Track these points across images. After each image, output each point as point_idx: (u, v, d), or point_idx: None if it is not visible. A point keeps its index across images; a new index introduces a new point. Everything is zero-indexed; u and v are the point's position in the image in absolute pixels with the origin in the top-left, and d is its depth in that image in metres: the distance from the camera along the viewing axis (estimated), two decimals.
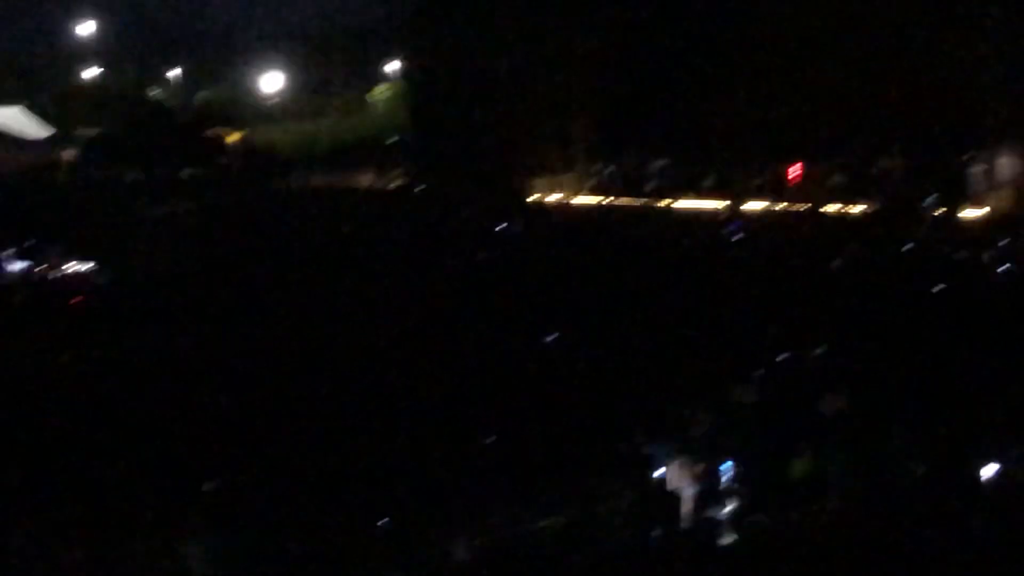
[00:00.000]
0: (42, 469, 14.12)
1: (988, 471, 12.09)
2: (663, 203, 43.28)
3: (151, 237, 34.13)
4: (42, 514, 12.75)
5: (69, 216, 37.46)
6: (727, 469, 12.78)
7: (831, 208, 40.31)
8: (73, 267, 28.61)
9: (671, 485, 12.61)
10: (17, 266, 29.04)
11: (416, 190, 48.56)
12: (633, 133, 46.55)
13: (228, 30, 72.89)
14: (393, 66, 65.27)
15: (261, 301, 23.83)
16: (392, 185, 52.22)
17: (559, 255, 30.14)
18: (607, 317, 21.60)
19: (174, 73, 73.23)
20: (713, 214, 40.23)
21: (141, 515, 12.82)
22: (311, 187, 51.41)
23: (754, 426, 13.85)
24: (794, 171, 44.14)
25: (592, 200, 45.67)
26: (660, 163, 46.71)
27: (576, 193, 46.78)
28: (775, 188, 43.27)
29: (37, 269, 28.95)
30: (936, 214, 38.35)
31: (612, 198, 45.20)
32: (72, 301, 25.10)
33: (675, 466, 12.74)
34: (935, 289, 23.78)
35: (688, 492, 12.43)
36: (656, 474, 12.85)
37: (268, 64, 71.65)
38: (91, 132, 60.87)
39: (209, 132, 61.40)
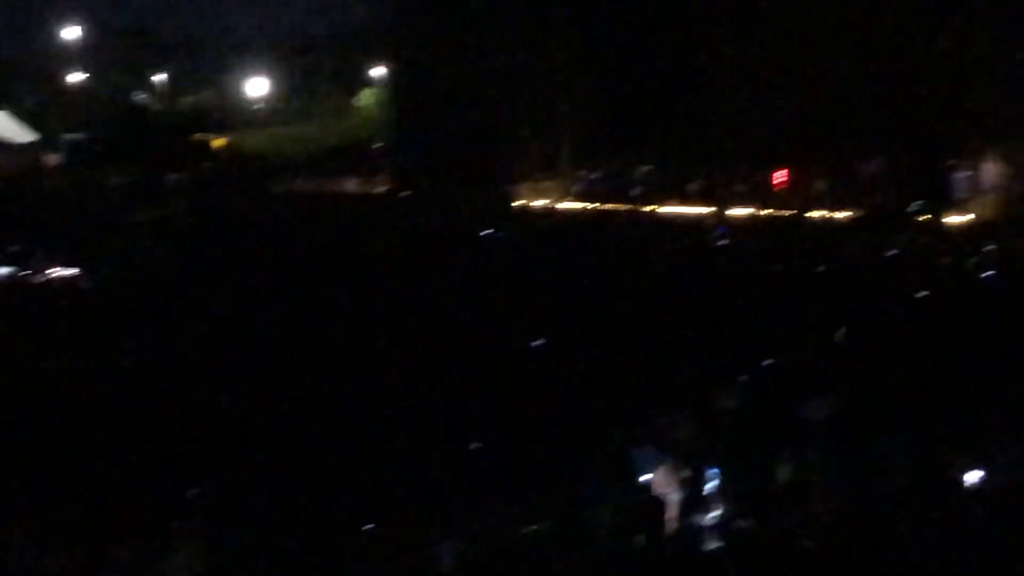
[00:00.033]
0: (26, 474, 14.08)
1: (972, 477, 12.13)
2: (648, 209, 43.34)
3: (137, 242, 34.08)
4: (24, 519, 12.72)
5: (54, 221, 37.40)
6: (711, 475, 12.80)
7: (816, 214, 40.40)
8: (58, 272, 28.55)
9: (657, 491, 12.62)
10: (1, 271, 28.97)
11: (401, 195, 48.57)
12: (618, 139, 46.61)
13: (214, 35, 72.92)
14: (378, 71, 65.27)
15: (247, 305, 23.81)
16: (377, 190, 52.24)
17: (544, 261, 30.15)
18: (592, 322, 21.63)
19: (159, 77, 73.18)
20: (698, 220, 40.30)
21: (126, 520, 12.80)
22: (296, 192, 51.41)
23: (738, 432, 13.87)
24: (779, 177, 44.23)
25: (577, 206, 45.72)
26: (645, 169, 46.79)
27: (561, 199, 46.82)
28: (760, 194, 43.36)
29: (21, 274, 28.88)
30: (920, 220, 38.45)
31: (597, 204, 45.25)
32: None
33: (660, 472, 12.74)
34: (919, 295, 23.84)
35: (673, 498, 12.44)
36: (641, 479, 12.86)
37: (254, 69, 71.66)
38: (76, 136, 60.82)
39: (195, 137, 61.38)
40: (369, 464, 14.18)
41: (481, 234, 35.24)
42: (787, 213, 40.46)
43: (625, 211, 43.36)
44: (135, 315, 23.37)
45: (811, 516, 11.99)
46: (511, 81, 47.93)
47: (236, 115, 68.54)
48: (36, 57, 70.42)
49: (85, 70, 70.67)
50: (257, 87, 71.84)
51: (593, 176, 47.65)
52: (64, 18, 70.70)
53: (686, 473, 12.66)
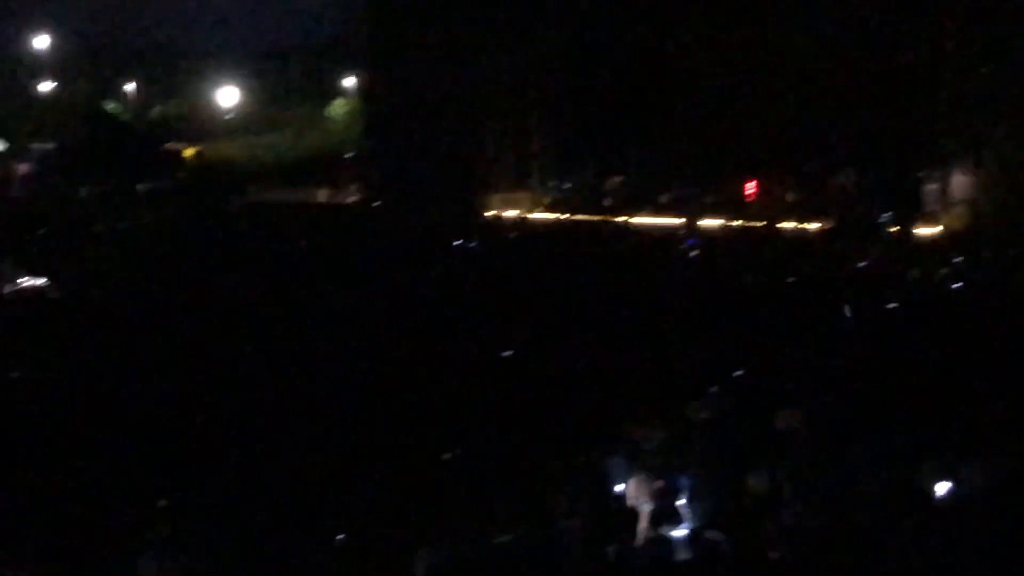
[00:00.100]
0: None
1: (941, 488, 12.17)
2: (620, 219, 43.42)
3: (107, 251, 34.00)
4: None
5: (23, 230, 37.27)
6: (682, 486, 12.81)
7: (787, 225, 40.54)
8: (28, 282, 28.43)
9: (630, 502, 12.62)
10: None
11: (372, 206, 48.58)
12: (590, 150, 46.70)
13: (185, 44, 72.73)
14: (350, 81, 65.29)
15: (219, 315, 23.77)
16: (348, 200, 52.23)
17: (516, 271, 30.18)
18: (563, 333, 21.65)
19: (130, 87, 73.02)
20: (670, 230, 40.39)
21: (95, 532, 12.75)
22: (267, 202, 51.38)
23: (710, 443, 13.89)
24: (750, 188, 44.38)
25: (549, 216, 45.77)
26: (617, 180, 46.89)
27: (533, 209, 46.88)
28: (731, 205, 43.49)
29: None
30: (890, 231, 38.63)
31: (569, 215, 45.32)
32: None
33: (633, 482, 12.75)
34: (889, 306, 23.93)
35: (646, 509, 12.45)
36: (614, 490, 12.87)
37: (225, 78, 71.57)
38: (46, 146, 60.64)
39: (165, 146, 61.27)
40: (341, 474, 14.16)
41: (453, 245, 35.25)
42: (758, 224, 40.59)
43: (597, 222, 43.43)
44: (105, 325, 23.29)
45: (782, 527, 12.01)
46: (483, 92, 47.98)
47: (207, 125, 68.42)
48: (5, 65, 70.16)
49: (55, 79, 70.47)
50: (228, 96, 71.72)
51: (565, 187, 47.72)
52: (33, 27, 70.49)
53: (659, 484, 12.67)
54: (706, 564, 11.52)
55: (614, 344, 20.55)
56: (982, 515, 11.69)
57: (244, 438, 15.73)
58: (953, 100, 40.91)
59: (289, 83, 71.65)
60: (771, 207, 42.40)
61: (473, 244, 35.58)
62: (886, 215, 39.94)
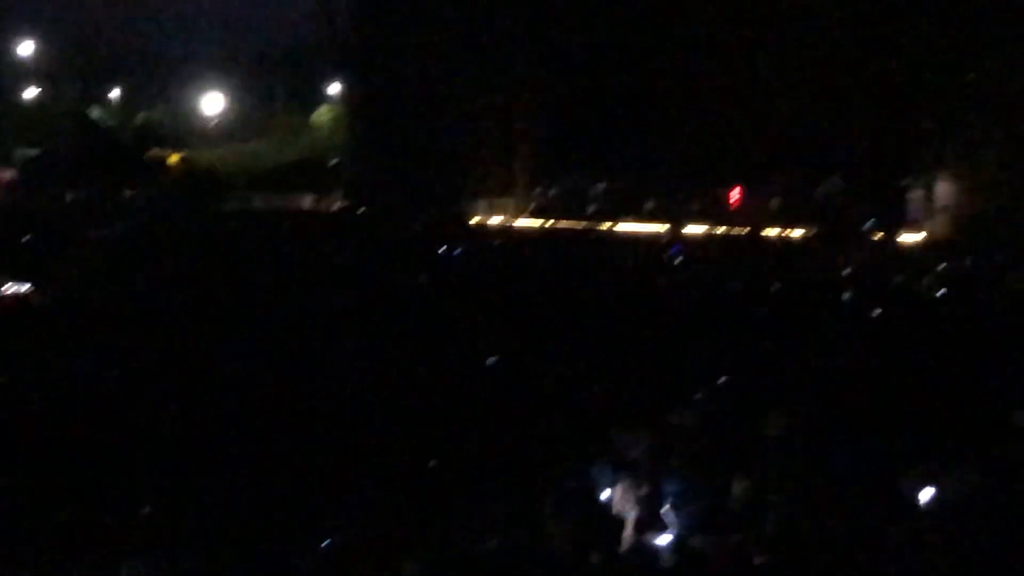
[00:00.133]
0: None
1: (925, 494, 12.22)
2: (604, 226, 43.49)
3: (91, 258, 33.93)
4: None
5: (7, 236, 37.18)
6: (667, 492, 12.84)
7: (771, 232, 40.63)
8: (12, 288, 28.38)
9: (615, 508, 12.64)
10: None
11: (357, 212, 48.58)
12: (575, 156, 46.76)
13: (170, 51, 72.70)
14: (335, 88, 65.29)
15: (203, 322, 23.74)
16: (333, 207, 52.22)
17: (500, 278, 30.19)
18: (548, 339, 21.67)
19: (115, 93, 72.95)
20: (654, 237, 40.46)
21: (77, 537, 12.75)
22: (252, 208, 51.35)
23: (693, 449, 13.92)
24: (734, 195, 44.48)
25: (534, 223, 45.83)
26: (602, 186, 46.97)
27: (518, 216, 46.93)
28: (716, 212, 43.59)
29: None
30: (875, 238, 38.75)
31: (554, 221, 45.38)
32: None
33: (618, 489, 12.77)
34: (873, 313, 24.00)
35: (631, 515, 12.47)
36: (599, 497, 12.89)
37: (210, 85, 71.53)
38: (31, 152, 60.57)
39: (150, 153, 61.23)
40: (329, 480, 14.17)
41: (438, 251, 35.26)
42: (742, 231, 40.67)
43: (581, 228, 43.49)
44: (89, 332, 23.26)
45: (766, 534, 12.05)
46: (468, 99, 48.01)
47: (192, 131, 68.36)
48: None
49: (40, 85, 70.36)
50: (213, 103, 71.68)
51: (550, 193, 47.77)
52: (18, 33, 70.39)
53: (644, 491, 12.69)
54: (691, 570, 11.55)
55: (598, 350, 20.57)
56: (966, 520, 11.73)
57: (230, 443, 15.73)
58: (937, 108, 41.03)
59: (274, 90, 71.62)
60: (756, 214, 42.50)
61: (458, 251, 35.59)
62: (870, 222, 40.06)
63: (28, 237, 37.71)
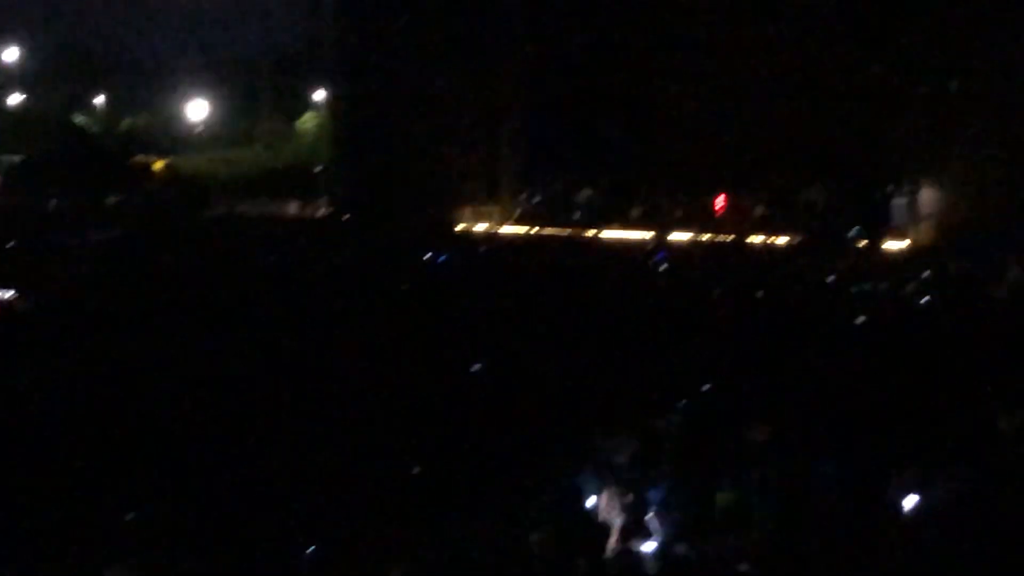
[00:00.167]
0: None
1: (909, 503, 12.22)
2: (590, 233, 43.50)
3: (75, 264, 33.85)
4: None
5: None
6: (652, 499, 12.82)
7: (756, 239, 40.67)
8: None
9: (601, 515, 12.63)
10: None
11: (342, 219, 48.53)
12: (560, 163, 46.77)
13: (155, 57, 72.59)
14: (320, 94, 65.21)
15: (187, 329, 23.69)
16: (318, 214, 52.16)
17: (485, 284, 30.18)
18: (533, 346, 21.65)
19: (99, 99, 72.82)
20: (639, 244, 40.48)
21: (58, 546, 12.70)
22: (237, 215, 51.26)
23: (678, 456, 13.92)
24: (719, 202, 44.52)
25: (519, 229, 45.82)
26: (587, 193, 46.98)
27: (503, 222, 46.91)
28: (701, 219, 43.62)
29: None
30: (859, 246, 38.80)
31: (539, 228, 45.38)
32: None
33: (604, 496, 12.76)
34: (857, 320, 24.02)
35: (616, 523, 12.46)
36: (584, 505, 12.87)
37: (194, 91, 71.41)
38: (14, 158, 60.44)
39: (134, 159, 61.12)
40: (309, 488, 14.13)
41: (423, 258, 35.24)
42: (727, 238, 40.71)
43: (567, 235, 43.49)
44: (72, 338, 23.18)
45: (750, 541, 12.03)
46: (453, 105, 48.01)
47: (176, 137, 68.26)
48: None
49: (24, 91, 70.24)
50: (198, 110, 71.58)
51: (535, 200, 47.77)
52: (2, 39, 70.25)
53: (628, 498, 12.68)
54: None
55: (583, 357, 20.56)
56: (953, 526, 11.74)
57: (212, 450, 15.68)
58: (921, 116, 41.11)
59: (259, 96, 71.52)
60: (741, 221, 42.55)
61: (443, 257, 35.57)
62: (855, 230, 40.12)
63: (11, 243, 37.61)
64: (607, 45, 45.75)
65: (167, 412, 17.38)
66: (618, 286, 30.03)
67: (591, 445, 14.26)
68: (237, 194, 55.94)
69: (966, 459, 13.40)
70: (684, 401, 16.14)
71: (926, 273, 30.41)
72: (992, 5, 39.80)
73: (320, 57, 58.89)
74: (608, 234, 43.08)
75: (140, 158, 61.61)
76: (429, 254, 35.60)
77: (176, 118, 71.30)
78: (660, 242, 40.29)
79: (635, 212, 45.16)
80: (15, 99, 70.36)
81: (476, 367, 19.76)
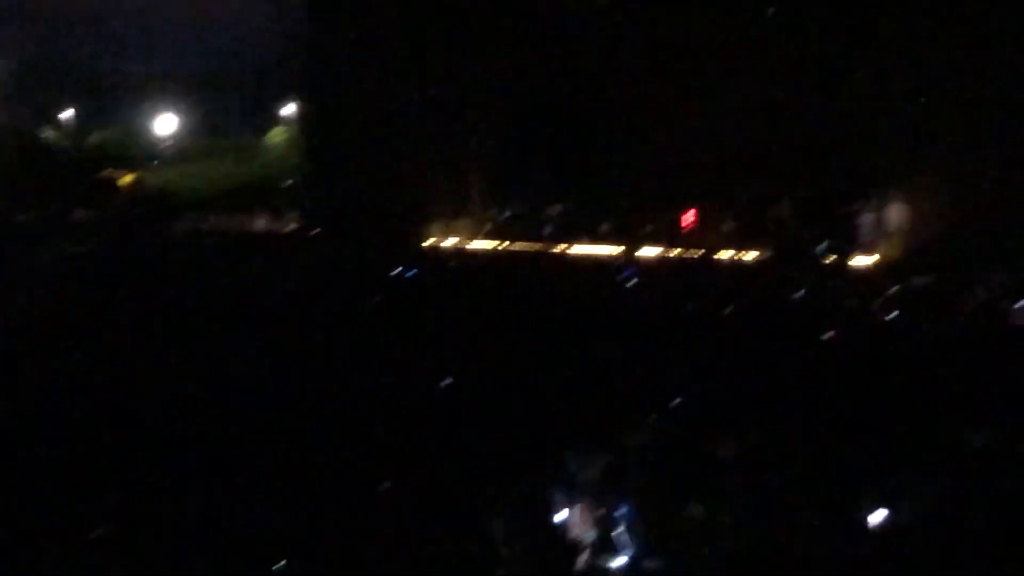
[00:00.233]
0: None
1: (877, 517, 12.23)
2: (559, 248, 43.49)
3: (41, 280, 33.68)
4: None
5: None
6: (621, 515, 12.80)
7: (724, 254, 40.72)
8: None
9: (570, 531, 12.61)
10: None
11: (311, 234, 48.42)
12: (530, 178, 46.76)
13: (122, 71, 72.35)
14: (289, 109, 65.08)
15: (153, 345, 23.59)
16: (287, 228, 52.02)
17: (454, 300, 30.15)
18: (501, 361, 21.61)
19: (66, 113, 72.54)
20: (608, 259, 40.49)
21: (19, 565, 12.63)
22: (205, 230, 51.10)
23: (647, 471, 13.89)
24: (688, 217, 44.56)
25: (488, 245, 45.77)
26: (556, 208, 46.96)
27: (472, 237, 46.86)
28: (669, 234, 43.63)
29: None
30: (827, 261, 38.89)
31: (508, 243, 45.34)
32: None
33: (574, 512, 12.73)
34: (825, 335, 24.06)
35: (586, 538, 12.43)
36: (554, 520, 12.85)
37: (163, 105, 71.19)
38: None
39: (101, 173, 60.87)
40: (275, 505, 14.06)
41: (390, 273, 35.18)
42: (695, 253, 40.74)
43: (536, 250, 43.45)
44: (37, 355, 23.06)
45: (720, 556, 12.02)
46: (422, 120, 47.95)
47: (144, 152, 68.02)
48: None
49: None
50: (166, 124, 71.33)
51: (504, 215, 47.73)
52: None
53: (598, 514, 12.66)
54: None
55: (551, 373, 20.53)
56: (922, 541, 11.75)
57: (177, 466, 15.59)
58: (889, 132, 41.23)
59: (227, 111, 71.35)
60: (709, 236, 42.58)
61: (411, 272, 35.52)
62: (822, 245, 40.20)
63: None
64: (576, 61, 45.77)
65: (135, 427, 17.29)
66: (587, 301, 30.03)
67: (560, 461, 14.23)
68: (206, 208, 55.74)
69: (935, 474, 13.42)
70: (653, 416, 16.13)
71: (894, 288, 30.49)
72: (960, 24, 39.97)
73: (289, 71, 58.76)
74: (578, 249, 43.07)
75: (108, 172, 61.35)
76: (398, 269, 35.54)
77: (145, 132, 71.06)
78: (629, 258, 40.31)
79: (604, 227, 45.16)
80: None
81: (445, 382, 19.73)
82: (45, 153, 63.69)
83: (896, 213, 41.28)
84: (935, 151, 39.97)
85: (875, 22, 41.22)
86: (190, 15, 67.05)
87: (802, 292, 31.00)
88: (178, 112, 71.31)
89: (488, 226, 47.60)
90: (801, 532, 12.21)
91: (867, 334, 25.00)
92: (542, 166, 46.08)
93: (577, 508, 12.71)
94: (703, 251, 40.69)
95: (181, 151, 69.15)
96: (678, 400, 17.28)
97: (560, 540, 12.48)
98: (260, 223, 54.09)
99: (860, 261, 39.41)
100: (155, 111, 71.13)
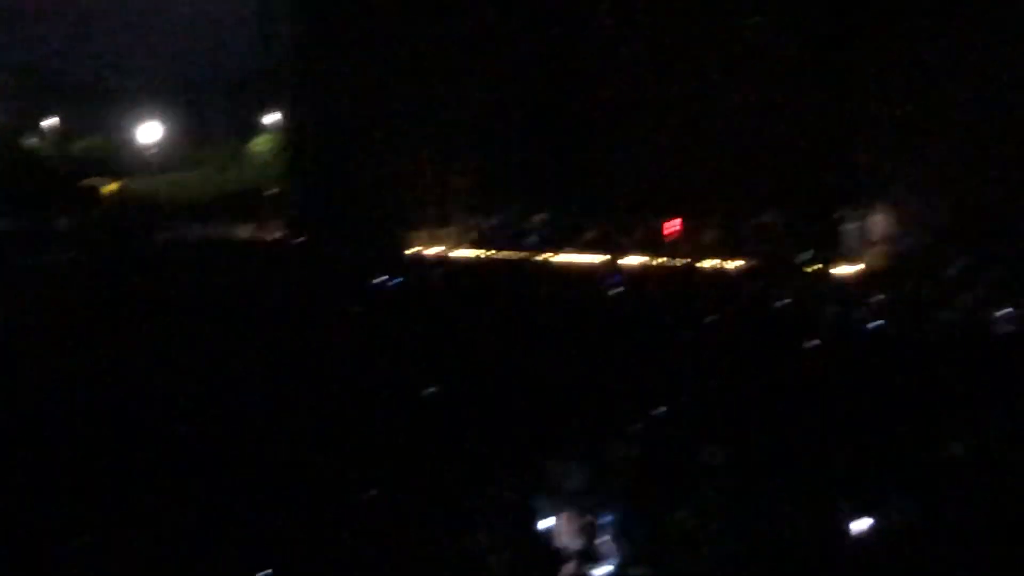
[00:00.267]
0: None
1: (861, 525, 12.27)
2: (543, 257, 43.53)
3: (25, 288, 33.62)
4: None
5: None
6: (606, 524, 12.82)
7: (708, 263, 40.79)
8: None
9: (556, 540, 12.62)
10: None
11: (295, 242, 48.41)
12: (514, 187, 46.80)
13: (106, 79, 72.29)
14: (273, 117, 65.04)
15: (137, 353, 23.56)
16: (271, 237, 51.99)
17: (438, 308, 30.15)
18: (485, 370, 21.62)
19: (50, 121, 72.41)
20: (592, 268, 40.53)
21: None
22: (189, 238, 51.03)
23: (632, 479, 13.92)
24: (672, 226, 44.62)
25: (472, 253, 45.79)
26: (540, 217, 47.00)
27: (456, 246, 46.88)
28: (653, 243, 43.69)
29: None
30: (811, 270, 38.97)
31: (492, 251, 45.36)
32: None
33: (559, 521, 12.75)
34: (809, 344, 24.11)
35: (572, 547, 12.45)
36: (540, 528, 12.86)
37: (146, 113, 71.11)
38: None
39: (85, 182, 60.76)
40: (261, 511, 14.05)
41: (374, 281, 35.17)
42: (679, 262, 40.81)
43: (519, 259, 43.49)
44: (21, 362, 23.03)
45: (705, 563, 12.05)
46: (406, 128, 47.98)
47: (128, 160, 67.93)
48: None
49: None
50: (150, 132, 71.26)
51: (488, 224, 47.76)
52: None
53: (584, 522, 12.67)
54: None
55: (536, 381, 20.55)
56: (903, 549, 11.79)
57: (156, 476, 15.58)
58: (872, 141, 41.37)
59: (212, 119, 71.29)
60: (693, 245, 42.65)
61: (394, 280, 35.53)
62: (806, 253, 40.29)
63: None
64: (561, 71, 45.86)
65: (120, 434, 17.27)
66: (571, 310, 30.05)
67: (545, 469, 14.24)
68: (190, 217, 55.67)
69: (917, 481, 13.47)
70: (637, 425, 16.15)
71: (877, 297, 30.56)
72: (942, 37, 40.13)
73: (274, 80, 58.76)
74: (561, 258, 43.11)
75: (92, 180, 61.25)
76: (383, 277, 35.54)
77: (128, 141, 70.96)
78: (613, 266, 40.35)
79: (588, 236, 45.21)
80: None
81: (429, 391, 19.73)
82: (28, 161, 63.55)
83: (879, 222, 41.41)
84: (918, 161, 40.12)
85: (859, 35, 41.37)
86: (174, 24, 67.02)
87: (786, 301, 31.06)
88: (162, 120, 71.25)
89: (472, 234, 47.64)
90: (785, 539, 12.24)
91: (850, 342, 25.05)
92: (526, 175, 46.14)
93: (562, 516, 12.72)
94: (687, 260, 40.75)
95: (165, 159, 69.08)
96: (662, 408, 17.30)
97: (545, 548, 12.49)
98: (245, 231, 54.04)
99: (844, 270, 39.51)
100: (139, 119, 71.08)
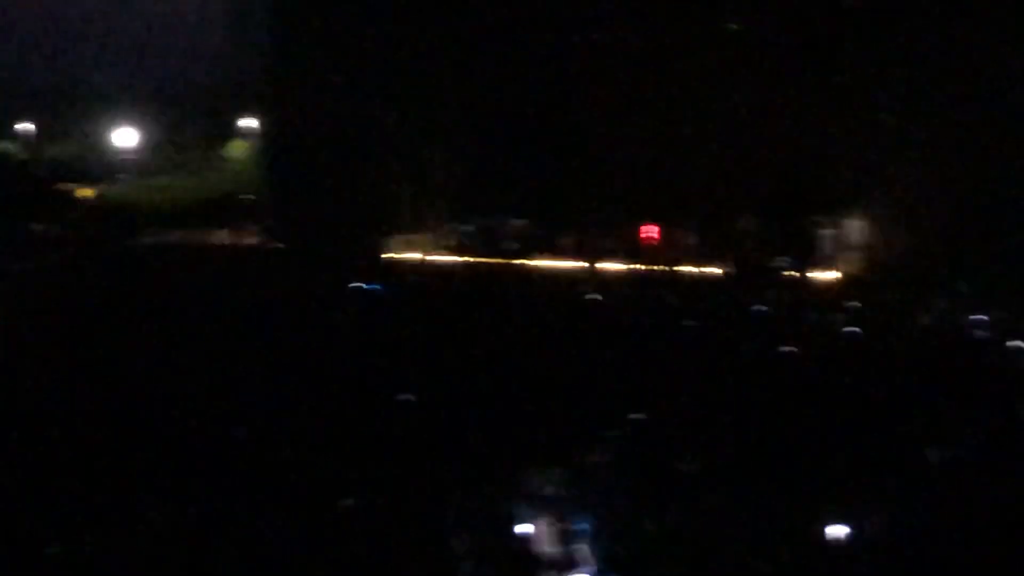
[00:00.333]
0: None
1: (836, 532, 12.27)
2: (520, 263, 43.51)
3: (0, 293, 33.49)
4: None
5: None
6: (582, 530, 12.80)
7: (685, 269, 40.82)
8: None
9: (535, 545, 12.60)
10: None
11: (271, 248, 48.30)
12: (492, 192, 46.79)
13: (82, 84, 72.06)
14: (249, 123, 64.90)
15: (112, 360, 23.47)
16: (247, 243, 51.85)
17: (414, 314, 30.11)
18: (463, 376, 21.59)
19: (25, 126, 72.14)
20: (570, 274, 40.53)
21: None
22: (165, 244, 50.88)
23: (607, 486, 13.90)
24: (650, 232, 44.65)
25: (449, 259, 45.74)
26: (518, 223, 46.98)
27: (434, 252, 46.83)
28: (631, 249, 43.71)
29: None
30: (787, 276, 39.03)
31: (470, 257, 45.32)
32: None
33: (536, 527, 12.73)
34: (785, 350, 24.13)
35: (548, 553, 12.44)
36: (518, 533, 12.84)
37: (122, 119, 70.89)
38: None
39: (60, 187, 60.51)
40: (239, 519, 14.00)
41: (350, 287, 35.10)
42: (657, 268, 40.83)
43: (497, 265, 43.45)
44: None
45: (680, 570, 12.04)
46: (384, 133, 47.93)
47: (104, 166, 67.71)
48: None
49: None
50: (126, 137, 71.04)
51: (466, 229, 47.71)
52: None
53: (560, 528, 12.66)
54: None
55: (512, 387, 20.53)
56: (879, 556, 11.79)
57: (138, 479, 15.52)
58: (849, 149, 41.46)
59: (188, 124, 71.12)
60: (671, 251, 42.68)
61: (371, 286, 35.46)
62: (783, 260, 40.35)
63: None
64: (539, 77, 45.86)
65: (96, 439, 17.21)
66: (548, 317, 30.04)
67: (522, 476, 14.22)
68: (166, 223, 55.50)
69: (894, 488, 13.47)
70: (614, 432, 16.14)
71: (853, 304, 30.62)
72: (921, 45, 40.26)
73: (250, 85, 58.65)
74: (539, 264, 43.10)
75: (68, 186, 61.01)
76: (359, 283, 35.47)
77: (104, 146, 70.76)
78: (590, 272, 40.35)
79: (566, 242, 45.21)
80: None
81: (406, 397, 19.69)
82: (2, 166, 63.29)
83: (856, 229, 41.50)
84: (895, 169, 40.23)
85: (837, 45, 41.49)
86: (150, 30, 66.82)
87: (762, 307, 31.10)
88: (138, 126, 71.05)
89: (450, 240, 47.59)
90: (761, 547, 12.23)
91: (826, 348, 25.09)
92: (504, 182, 46.12)
93: (538, 523, 12.70)
94: (664, 266, 40.77)
95: (141, 165, 68.87)
96: (639, 416, 17.29)
97: (522, 555, 12.47)
98: (221, 237, 53.89)
99: (820, 276, 39.59)
100: (115, 125, 70.85)
